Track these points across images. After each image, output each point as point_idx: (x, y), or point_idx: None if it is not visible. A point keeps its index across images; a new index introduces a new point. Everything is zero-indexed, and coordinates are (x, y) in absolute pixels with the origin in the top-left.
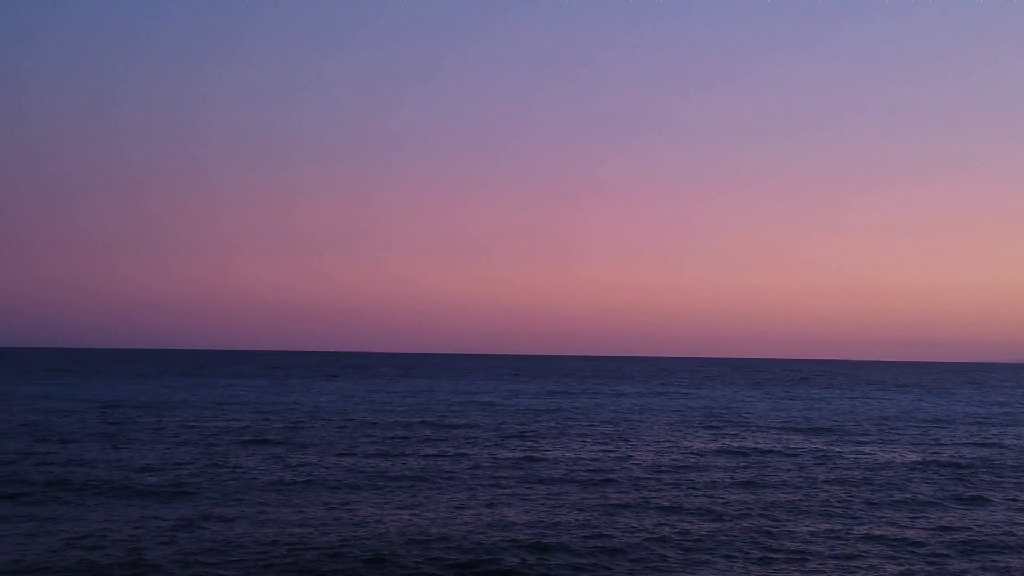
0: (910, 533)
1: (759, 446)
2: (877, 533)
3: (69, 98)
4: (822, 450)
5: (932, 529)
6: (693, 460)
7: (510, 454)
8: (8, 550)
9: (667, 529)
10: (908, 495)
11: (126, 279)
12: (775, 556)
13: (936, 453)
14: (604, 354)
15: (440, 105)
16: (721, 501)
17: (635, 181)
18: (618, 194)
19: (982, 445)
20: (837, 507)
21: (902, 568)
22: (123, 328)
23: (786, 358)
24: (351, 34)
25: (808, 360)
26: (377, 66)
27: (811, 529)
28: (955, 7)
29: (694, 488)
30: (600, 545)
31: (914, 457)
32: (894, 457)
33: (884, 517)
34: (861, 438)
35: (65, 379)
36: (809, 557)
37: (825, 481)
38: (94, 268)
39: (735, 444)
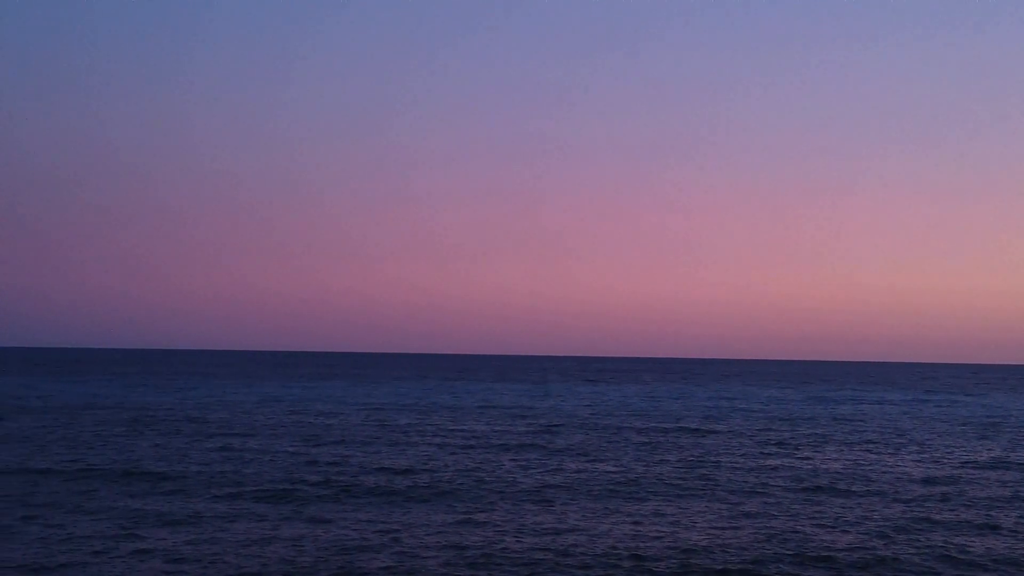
0: None
1: None
2: None
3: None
4: None
5: None
6: (968, 472)
7: (772, 462)
8: (279, 550)
9: (939, 545)
10: None
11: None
12: None
13: None
14: (863, 359)
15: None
16: (999, 517)
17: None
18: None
19: None
20: None
21: None
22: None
23: None
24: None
25: None
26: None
27: None
28: None
29: (969, 502)
30: (867, 557)
31: None
32: None
33: None
34: None
35: (333, 382)
36: None
37: None
38: (358, 274)
39: (1015, 456)
